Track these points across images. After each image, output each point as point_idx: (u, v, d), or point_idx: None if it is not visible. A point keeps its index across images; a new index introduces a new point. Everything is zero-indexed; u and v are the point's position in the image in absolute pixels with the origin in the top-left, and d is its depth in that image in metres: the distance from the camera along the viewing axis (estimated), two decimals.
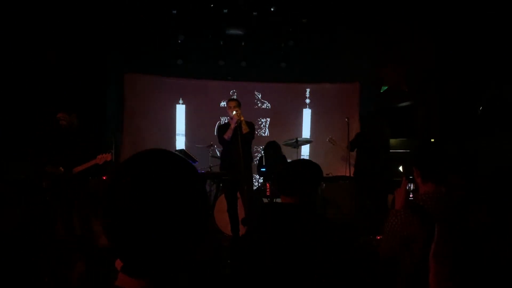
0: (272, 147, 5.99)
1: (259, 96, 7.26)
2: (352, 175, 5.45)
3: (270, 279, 1.59)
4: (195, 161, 5.39)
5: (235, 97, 6.75)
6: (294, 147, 6.08)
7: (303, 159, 2.10)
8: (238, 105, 4.77)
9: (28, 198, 4.06)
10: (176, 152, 0.79)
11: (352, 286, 1.63)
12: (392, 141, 5.98)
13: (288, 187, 1.93)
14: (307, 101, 7.40)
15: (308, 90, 7.39)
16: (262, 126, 7.22)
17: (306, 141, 6.49)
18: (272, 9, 6.38)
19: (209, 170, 5.69)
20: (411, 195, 2.20)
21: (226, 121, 5.27)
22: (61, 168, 4.07)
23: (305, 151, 7.28)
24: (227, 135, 4.69)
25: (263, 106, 7.28)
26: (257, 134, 5.56)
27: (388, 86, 6.64)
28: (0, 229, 3.55)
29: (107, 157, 4.06)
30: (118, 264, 0.70)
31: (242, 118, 4.66)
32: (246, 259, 1.68)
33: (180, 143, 6.99)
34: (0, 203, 3.97)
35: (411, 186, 2.19)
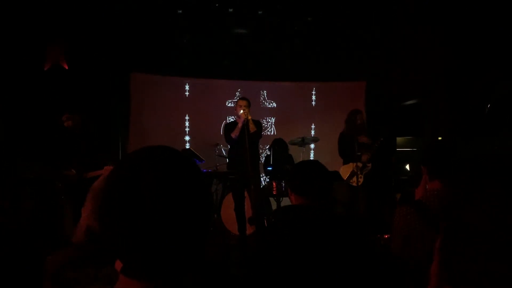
0: (278, 145, 5.96)
1: (265, 95, 7.24)
2: None
3: (290, 281, 1.52)
4: (201, 160, 5.39)
5: (241, 96, 6.75)
6: (301, 146, 6.05)
7: (311, 160, 2.00)
8: (248, 104, 4.76)
9: (40, 197, 4.14)
10: (181, 151, 0.78)
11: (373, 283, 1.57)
12: (399, 139, 5.93)
13: (309, 187, 1.81)
14: (313, 99, 7.37)
15: (314, 88, 7.36)
16: (268, 125, 7.21)
17: (313, 140, 6.44)
18: (277, 8, 6.36)
19: (215, 169, 5.69)
20: None
21: (233, 120, 5.26)
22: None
23: (310, 150, 7.27)
24: (234, 134, 4.68)
25: (269, 105, 7.27)
26: (263, 133, 5.56)
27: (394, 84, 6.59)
28: (10, 224, 3.61)
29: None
30: (118, 265, 0.68)
31: (249, 117, 4.66)
32: (262, 263, 1.60)
33: (186, 142, 7.01)
34: (12, 199, 4.04)
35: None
